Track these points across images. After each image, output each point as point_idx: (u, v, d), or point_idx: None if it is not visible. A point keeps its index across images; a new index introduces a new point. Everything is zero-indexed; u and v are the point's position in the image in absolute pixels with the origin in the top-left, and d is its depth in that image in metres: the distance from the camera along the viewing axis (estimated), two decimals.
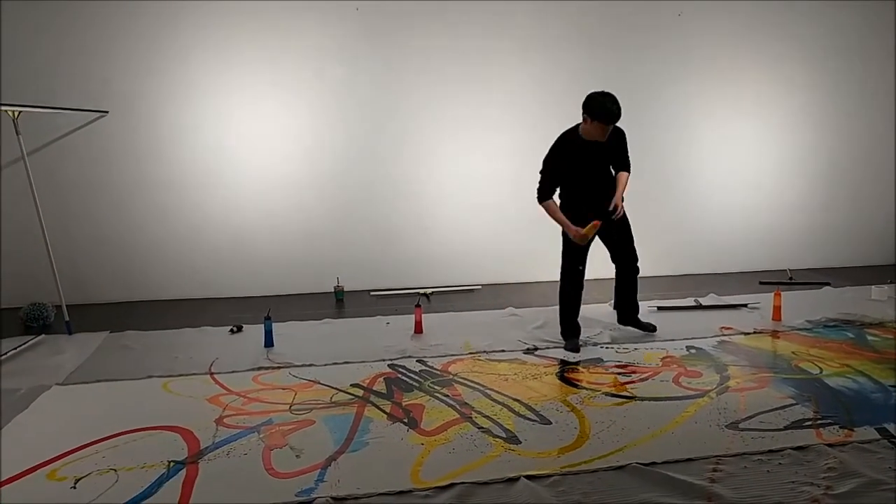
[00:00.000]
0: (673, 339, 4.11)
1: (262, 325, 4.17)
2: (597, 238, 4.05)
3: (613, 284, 4.37)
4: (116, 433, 2.83)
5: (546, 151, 4.01)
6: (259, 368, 3.69)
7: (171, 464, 2.55)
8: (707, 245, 6.20)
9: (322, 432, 2.84)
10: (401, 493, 2.31)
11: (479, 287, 5.74)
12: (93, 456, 2.63)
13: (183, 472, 2.49)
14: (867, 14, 6.13)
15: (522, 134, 5.75)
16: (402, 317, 4.67)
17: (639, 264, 4.26)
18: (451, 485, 2.34)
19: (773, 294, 4.65)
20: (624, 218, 4.11)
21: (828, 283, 5.62)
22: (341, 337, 4.29)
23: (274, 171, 5.49)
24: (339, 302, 5.29)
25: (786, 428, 2.78)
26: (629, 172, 4.08)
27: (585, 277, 4.15)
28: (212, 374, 3.61)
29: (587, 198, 4.00)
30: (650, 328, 4.29)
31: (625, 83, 5.81)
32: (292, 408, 3.11)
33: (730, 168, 6.15)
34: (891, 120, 6.34)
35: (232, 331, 4.46)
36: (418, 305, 4.41)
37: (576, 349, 3.95)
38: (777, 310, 4.52)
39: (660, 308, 4.85)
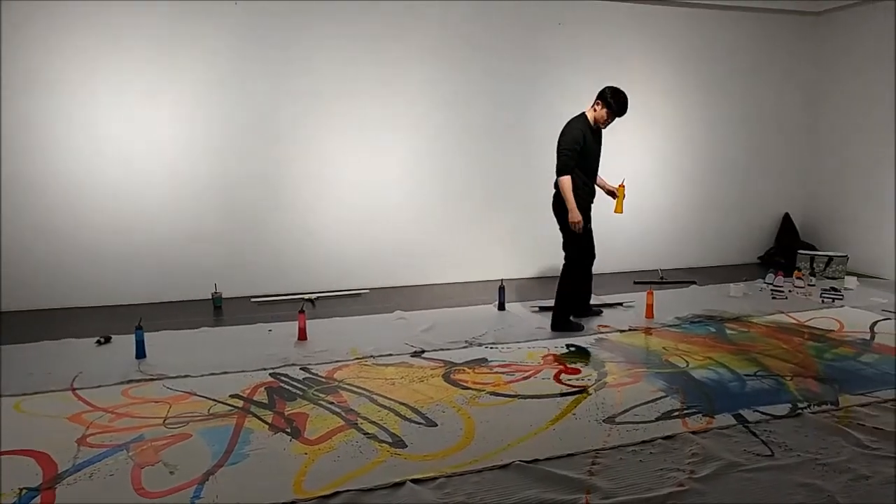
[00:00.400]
0: (554, 338, 4.26)
1: (133, 336, 3.90)
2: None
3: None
4: None
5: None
6: (129, 381, 3.46)
7: (24, 491, 2.32)
8: None
9: (199, 446, 2.69)
10: None
11: (367, 291, 5.69)
12: None
13: (37, 500, 2.27)
14: (738, 24, 6.67)
15: (410, 136, 5.78)
16: (285, 323, 4.53)
17: (564, 260, 4.52)
18: (336, 493, 2.29)
19: (646, 293, 4.94)
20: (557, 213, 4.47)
21: (694, 282, 6.05)
22: (220, 346, 4.10)
23: (147, 170, 5.17)
24: (218, 309, 5.05)
25: (657, 419, 2.95)
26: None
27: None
28: (74, 389, 3.33)
29: (587, 179, 4.40)
30: (598, 312, 4.82)
31: (506, 87, 6.02)
32: (166, 422, 2.93)
33: (606, 174, 6.45)
34: (752, 131, 6.93)
35: (99, 342, 4.14)
36: (302, 311, 4.29)
37: (580, 328, 4.46)
38: (650, 308, 4.80)
39: (541, 308, 5.01)
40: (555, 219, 4.44)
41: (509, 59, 5.96)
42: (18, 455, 2.60)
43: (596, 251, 4.70)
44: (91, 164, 5.04)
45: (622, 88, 4.30)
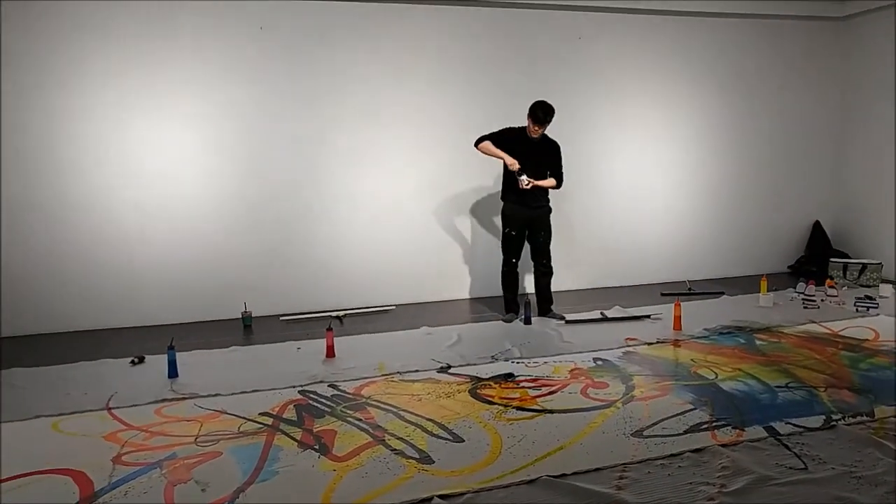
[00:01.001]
0: (580, 352, 4.24)
1: (166, 356, 3.98)
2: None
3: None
4: None
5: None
6: (162, 401, 3.53)
7: None
8: (612, 259, 6.46)
9: (229, 464, 2.73)
10: None
11: (393, 307, 5.73)
12: None
13: None
14: (761, 32, 6.62)
15: (436, 152, 5.84)
16: (314, 341, 4.58)
17: (553, 265, 5.24)
18: None
19: (673, 304, 4.89)
20: (549, 224, 5.13)
21: (722, 293, 5.97)
22: (249, 364, 4.16)
23: (176, 192, 5.29)
24: (248, 328, 5.13)
25: (685, 432, 2.92)
26: (558, 183, 5.03)
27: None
28: (109, 409, 3.41)
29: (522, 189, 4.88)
30: (561, 317, 5.12)
31: (528, 102, 6.05)
32: (198, 440, 2.99)
33: (632, 184, 6.45)
34: (780, 139, 6.85)
35: (133, 362, 4.24)
36: (329, 329, 4.34)
37: (509, 321, 5.07)
38: (677, 319, 4.75)
39: (567, 321, 5.00)
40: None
41: (535, 75, 5.99)
42: (56, 474, 2.67)
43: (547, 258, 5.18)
44: (122, 186, 5.16)
45: (547, 101, 4.78)
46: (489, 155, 4.92)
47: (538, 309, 5.25)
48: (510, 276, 5.19)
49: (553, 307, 5.24)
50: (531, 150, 4.87)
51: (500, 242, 5.26)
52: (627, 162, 6.42)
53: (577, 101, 6.16)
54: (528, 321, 4.99)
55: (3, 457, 2.83)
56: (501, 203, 5.12)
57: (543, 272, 5.21)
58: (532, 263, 5.29)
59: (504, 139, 4.87)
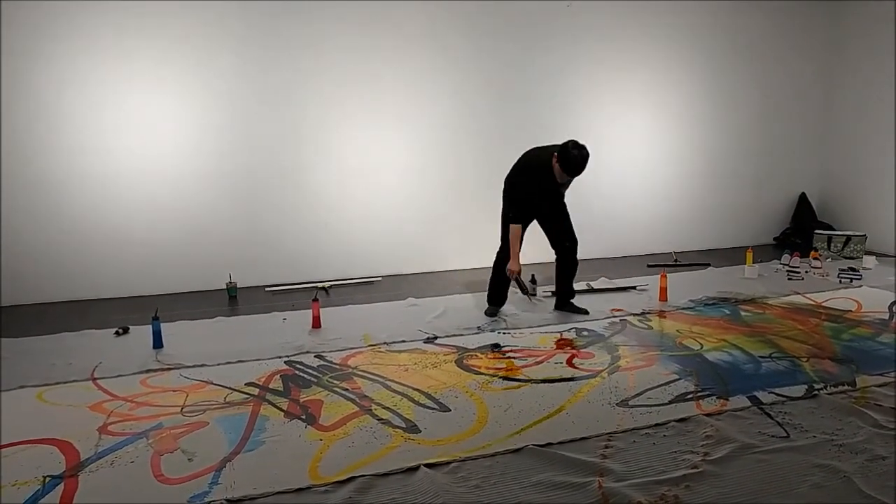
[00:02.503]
0: (566, 322, 4.26)
1: (150, 326, 3.95)
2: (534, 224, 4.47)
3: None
4: None
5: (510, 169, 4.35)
6: (147, 371, 3.50)
7: (47, 479, 2.37)
8: (598, 231, 6.46)
9: (216, 434, 2.73)
10: (299, 490, 2.26)
11: (379, 279, 5.72)
12: None
13: (61, 487, 2.31)
14: (751, 4, 6.57)
15: (421, 125, 5.77)
16: (300, 312, 4.57)
17: (578, 248, 4.53)
18: (351, 478, 2.31)
19: (659, 276, 4.91)
20: (564, 205, 4.43)
21: (708, 264, 6.01)
22: (235, 335, 4.14)
23: (160, 162, 5.21)
24: (233, 299, 5.10)
25: (670, 402, 2.95)
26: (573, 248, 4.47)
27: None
28: (94, 379, 3.39)
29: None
30: (583, 311, 4.48)
31: (516, 73, 5.99)
32: (184, 410, 2.97)
33: (620, 158, 6.43)
34: (767, 111, 6.85)
35: (117, 333, 4.20)
36: (315, 299, 4.32)
37: (492, 315, 4.42)
38: (663, 291, 4.78)
39: (553, 293, 5.00)
40: None
41: (518, 44, 5.92)
42: (41, 444, 2.65)
43: (572, 243, 4.47)
44: (108, 158, 5.08)
45: (583, 145, 3.99)
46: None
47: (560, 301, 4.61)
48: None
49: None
50: (556, 195, 4.29)
51: (488, 213, 5.16)
52: (614, 134, 6.39)
53: (562, 71, 6.11)
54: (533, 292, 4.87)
55: None
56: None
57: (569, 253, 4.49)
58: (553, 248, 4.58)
59: (531, 193, 4.19)
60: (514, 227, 4.21)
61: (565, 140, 4.07)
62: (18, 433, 2.75)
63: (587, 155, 3.98)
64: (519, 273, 4.28)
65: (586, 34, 6.12)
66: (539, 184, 4.16)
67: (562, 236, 4.43)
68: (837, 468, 2.31)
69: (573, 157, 3.95)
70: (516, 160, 4.39)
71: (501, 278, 4.41)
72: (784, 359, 3.48)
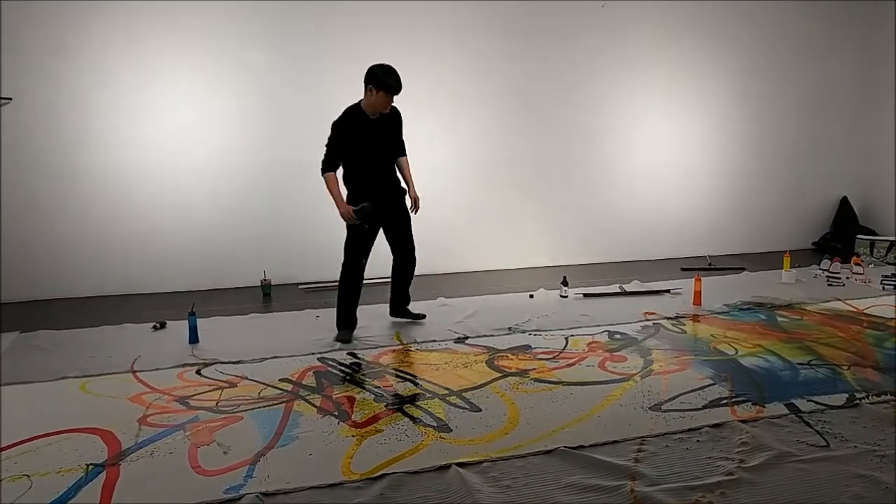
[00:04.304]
0: (599, 325, 4.22)
1: (187, 321, 4.03)
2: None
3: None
4: (28, 438, 2.68)
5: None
6: (184, 365, 3.58)
7: (90, 467, 2.44)
8: (631, 233, 6.40)
9: (250, 428, 2.77)
10: (331, 486, 2.29)
11: None
12: (4, 462, 2.48)
13: (103, 475, 2.38)
14: (787, 4, 6.44)
15: (454, 123, 5.79)
16: (332, 310, 4.57)
17: (416, 254, 4.30)
18: (382, 475, 2.33)
19: (693, 279, 4.84)
20: (405, 208, 4.17)
21: (743, 268, 5.91)
22: (269, 331, 4.20)
23: (196, 160, 5.31)
24: (267, 296, 5.17)
25: (704, 407, 2.91)
26: (406, 156, 4.16)
27: None
28: (134, 372, 3.47)
29: (369, 175, 3.99)
30: (420, 317, 4.35)
31: (549, 72, 5.96)
32: (219, 404, 3.03)
33: (653, 158, 6.36)
34: (807, 111, 6.71)
35: (155, 327, 4.30)
36: None
37: (346, 340, 3.94)
38: (697, 294, 4.71)
39: (586, 295, 4.97)
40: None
41: (550, 42, 5.89)
42: (85, 433, 2.73)
43: (411, 249, 4.28)
44: (146, 155, 5.20)
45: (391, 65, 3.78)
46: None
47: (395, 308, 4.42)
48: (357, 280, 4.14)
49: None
50: (376, 132, 3.93)
51: (521, 213, 5.15)
52: (648, 134, 6.32)
53: (596, 70, 6.07)
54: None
55: (36, 416, 2.91)
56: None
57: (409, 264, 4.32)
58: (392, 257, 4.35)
59: (346, 137, 3.87)
60: (327, 176, 3.88)
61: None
62: (63, 422, 2.83)
63: (393, 69, 3.76)
64: (352, 214, 3.87)
65: (620, 34, 6.06)
66: (348, 123, 3.86)
67: (404, 241, 4.23)
68: (879, 479, 2.26)
69: (386, 75, 3.72)
70: None
71: (348, 303, 4.08)
72: (823, 366, 3.40)
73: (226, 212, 5.42)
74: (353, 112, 3.91)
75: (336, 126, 3.90)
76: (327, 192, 3.91)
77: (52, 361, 3.64)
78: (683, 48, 6.26)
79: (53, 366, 3.56)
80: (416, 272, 5.66)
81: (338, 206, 3.89)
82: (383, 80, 3.73)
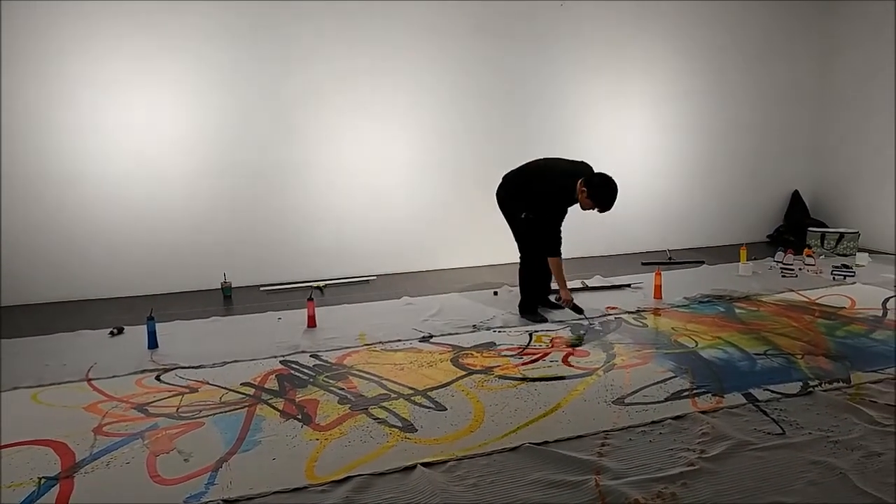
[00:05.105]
0: (562, 321, 4.26)
1: (145, 326, 3.94)
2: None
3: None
4: None
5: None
6: (143, 371, 3.49)
7: (42, 480, 2.36)
8: (593, 228, 6.45)
9: (212, 434, 2.72)
10: (295, 490, 2.26)
11: (374, 277, 5.71)
12: None
13: (56, 489, 2.30)
14: (741, 13, 6.59)
15: (416, 122, 5.77)
16: (295, 311, 4.56)
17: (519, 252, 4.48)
18: (347, 478, 2.31)
19: (654, 274, 4.92)
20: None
21: (702, 262, 6.03)
22: (230, 335, 4.13)
23: (153, 161, 5.19)
24: (227, 298, 5.09)
25: (666, 399, 2.95)
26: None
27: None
28: (89, 380, 3.38)
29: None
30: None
31: (515, 74, 5.99)
32: (179, 410, 2.96)
33: (613, 155, 6.43)
34: (760, 108, 6.87)
35: (112, 333, 4.19)
36: (310, 299, 4.31)
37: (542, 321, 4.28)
38: (658, 288, 4.79)
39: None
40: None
41: (517, 45, 5.92)
42: (36, 445, 2.64)
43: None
44: (101, 157, 5.06)
45: (610, 178, 4.00)
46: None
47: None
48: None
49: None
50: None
51: (483, 212, 5.14)
52: (607, 132, 6.40)
53: (558, 68, 6.11)
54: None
55: None
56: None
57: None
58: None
59: (559, 215, 4.21)
60: (558, 260, 4.21)
61: (578, 158, 4.28)
62: (13, 434, 2.73)
63: (616, 188, 4.01)
64: (571, 299, 4.29)
65: (582, 35, 6.12)
66: (563, 207, 4.18)
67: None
68: (833, 465, 2.32)
69: (608, 194, 3.99)
70: (522, 167, 4.36)
71: (533, 292, 4.42)
72: (779, 356, 3.49)
73: (185, 213, 5.31)
74: (570, 192, 4.08)
75: (556, 204, 4.14)
76: (554, 273, 4.25)
77: (3, 372, 3.51)
78: (641, 48, 6.35)
79: (5, 376, 3.43)
80: (380, 271, 5.64)
81: (564, 292, 4.27)
82: (602, 198, 3.99)
